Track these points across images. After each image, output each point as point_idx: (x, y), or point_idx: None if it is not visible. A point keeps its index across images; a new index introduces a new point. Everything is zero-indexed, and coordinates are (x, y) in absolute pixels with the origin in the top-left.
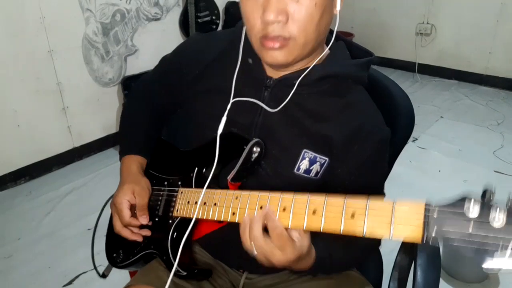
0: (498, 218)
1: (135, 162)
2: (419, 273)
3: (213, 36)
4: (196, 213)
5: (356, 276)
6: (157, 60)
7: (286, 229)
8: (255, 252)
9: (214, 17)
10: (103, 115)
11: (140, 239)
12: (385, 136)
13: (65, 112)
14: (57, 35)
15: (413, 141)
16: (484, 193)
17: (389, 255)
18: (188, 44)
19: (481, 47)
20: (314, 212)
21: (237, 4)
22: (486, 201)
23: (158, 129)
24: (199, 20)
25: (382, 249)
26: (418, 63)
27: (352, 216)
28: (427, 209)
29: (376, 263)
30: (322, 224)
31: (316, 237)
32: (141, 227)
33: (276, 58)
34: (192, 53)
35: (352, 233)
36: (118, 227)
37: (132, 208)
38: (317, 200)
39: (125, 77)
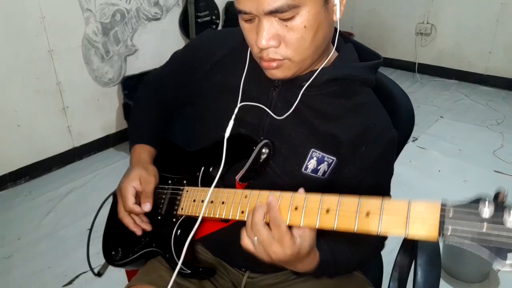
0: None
1: (145, 151)
2: (419, 273)
3: (225, 33)
4: (203, 211)
5: (358, 276)
6: (157, 60)
7: (290, 228)
8: (255, 241)
9: (214, 17)
10: (103, 115)
11: (139, 232)
12: (392, 138)
13: (65, 112)
14: (57, 35)
15: (413, 141)
16: (497, 195)
17: (389, 255)
18: (200, 39)
19: (481, 47)
20: (327, 211)
21: None
22: (500, 202)
23: (166, 123)
24: (199, 20)
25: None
26: (418, 63)
27: (367, 214)
28: (443, 208)
29: (376, 263)
30: (336, 223)
31: (321, 240)
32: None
33: (275, 75)
34: (204, 48)
35: (366, 231)
36: (121, 213)
37: (138, 195)
38: (331, 199)
39: (125, 77)
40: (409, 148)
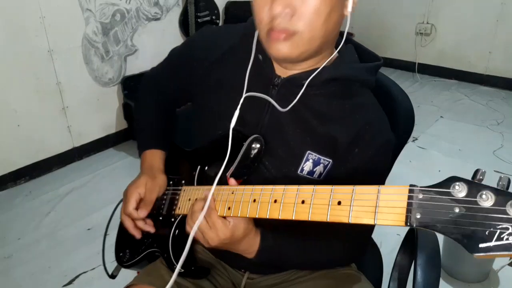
0: (486, 197)
1: (156, 157)
2: (419, 273)
3: (224, 30)
4: (204, 211)
5: (357, 275)
6: (157, 60)
7: (225, 217)
8: (195, 228)
9: (214, 17)
10: (103, 115)
11: (138, 235)
12: (386, 141)
13: (65, 112)
14: (57, 35)
15: (413, 141)
16: (475, 174)
17: (389, 255)
18: (199, 37)
19: (481, 47)
20: (303, 202)
21: (237, 4)
22: (476, 181)
23: (171, 121)
24: (199, 20)
25: (382, 249)
26: (418, 63)
27: (339, 203)
28: (411, 190)
29: (376, 263)
30: (310, 212)
31: (268, 232)
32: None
33: (281, 50)
34: (203, 46)
35: (338, 220)
36: (123, 215)
37: (142, 200)
38: (306, 189)
39: (125, 77)
40: (409, 148)
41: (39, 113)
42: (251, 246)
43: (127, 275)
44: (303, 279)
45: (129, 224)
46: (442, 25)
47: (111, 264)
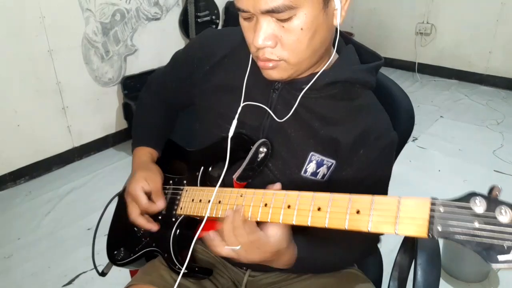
0: (505, 213)
1: (146, 153)
2: (419, 272)
3: (225, 33)
4: (208, 212)
5: (357, 274)
6: (157, 60)
7: (260, 223)
8: (238, 247)
9: (214, 17)
10: (102, 115)
11: (156, 227)
12: (391, 141)
13: (65, 112)
14: (57, 35)
15: (413, 140)
16: (491, 190)
17: (389, 255)
18: (201, 39)
19: (481, 47)
20: (319, 209)
21: None
22: (493, 197)
23: (171, 124)
24: (198, 20)
25: (382, 249)
26: (418, 63)
27: (358, 212)
28: (433, 203)
29: (376, 263)
30: (327, 220)
31: (299, 236)
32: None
33: (271, 75)
34: (204, 48)
35: (357, 228)
36: (134, 214)
37: (147, 194)
38: (323, 197)
39: (124, 76)
40: (409, 148)
41: (39, 113)
42: (290, 258)
43: (125, 275)
44: (305, 277)
45: (143, 221)
46: (442, 25)
47: (105, 263)
